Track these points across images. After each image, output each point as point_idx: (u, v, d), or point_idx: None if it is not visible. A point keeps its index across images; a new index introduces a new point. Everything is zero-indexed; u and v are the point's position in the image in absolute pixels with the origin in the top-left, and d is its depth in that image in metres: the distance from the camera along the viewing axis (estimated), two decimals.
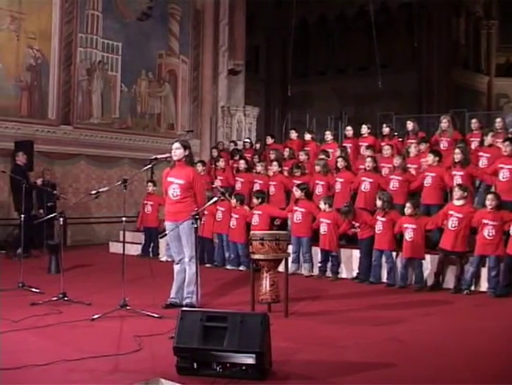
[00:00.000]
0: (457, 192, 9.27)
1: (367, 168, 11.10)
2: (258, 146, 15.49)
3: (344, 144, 13.16)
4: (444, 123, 12.24)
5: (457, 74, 28.82)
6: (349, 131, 13.55)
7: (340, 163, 11.54)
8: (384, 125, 13.30)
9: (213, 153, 14.79)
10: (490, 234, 8.86)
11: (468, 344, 6.14)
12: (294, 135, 14.60)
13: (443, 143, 12.00)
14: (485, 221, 8.93)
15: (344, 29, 30.18)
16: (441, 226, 9.49)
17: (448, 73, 27.91)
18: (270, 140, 15.04)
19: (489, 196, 9.04)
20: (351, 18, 29.41)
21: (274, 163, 12.47)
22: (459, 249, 9.16)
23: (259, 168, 12.68)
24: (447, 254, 9.27)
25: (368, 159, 11.22)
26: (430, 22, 27.79)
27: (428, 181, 10.48)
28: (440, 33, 27.70)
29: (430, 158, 10.59)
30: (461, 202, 9.24)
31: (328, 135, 13.79)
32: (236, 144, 15.94)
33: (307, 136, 14.18)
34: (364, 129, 13.11)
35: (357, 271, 10.26)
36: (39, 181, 11.00)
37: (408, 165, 11.24)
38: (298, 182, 11.48)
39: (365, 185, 10.98)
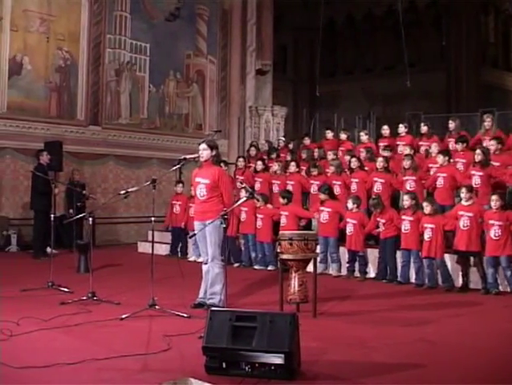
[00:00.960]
0: (465, 194, 9.27)
1: (379, 168, 11.11)
2: (291, 146, 15.42)
3: (380, 144, 13.10)
4: (488, 122, 12.13)
5: (487, 73, 28.51)
6: (386, 130, 13.44)
7: (354, 163, 11.54)
8: (422, 124, 13.18)
9: (251, 152, 14.71)
10: (497, 234, 8.91)
11: (497, 345, 6.08)
12: (330, 134, 14.54)
13: (486, 142, 11.88)
14: (491, 222, 8.99)
15: (372, 28, 30.01)
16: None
17: (477, 72, 27.64)
18: (307, 141, 14.95)
19: (494, 197, 9.05)
20: (379, 18, 29.23)
21: (292, 163, 12.47)
22: (474, 249, 9.16)
23: (275, 167, 12.67)
24: (463, 255, 9.25)
25: (380, 159, 11.28)
26: (458, 21, 27.52)
27: (440, 182, 10.52)
28: (468, 31, 27.43)
29: (440, 158, 10.58)
30: (469, 202, 9.25)
31: (363, 136, 13.72)
32: (271, 144, 15.87)
33: (343, 136, 14.11)
34: (401, 128, 13.03)
35: (376, 271, 10.29)
36: (56, 191, 11.20)
37: (430, 165, 11.20)
38: (316, 182, 11.57)
39: (377, 186, 11.03)
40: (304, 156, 13.24)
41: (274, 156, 14.23)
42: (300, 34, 30.49)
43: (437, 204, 10.19)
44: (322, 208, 10.84)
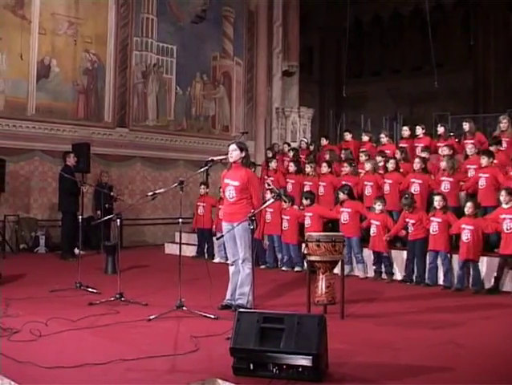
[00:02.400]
0: (505, 197, 9.15)
1: (416, 169, 11.01)
2: (312, 147, 15.42)
3: (401, 145, 13.04)
4: (504, 123, 12.03)
5: None
6: (405, 131, 13.39)
7: (392, 165, 11.42)
8: (439, 125, 13.14)
9: (268, 154, 14.81)
10: None
11: None
12: (348, 137, 14.51)
13: (502, 144, 11.79)
14: None
15: (399, 28, 29.83)
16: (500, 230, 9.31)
17: (505, 71, 27.34)
18: (324, 142, 15.01)
19: None
20: (406, 17, 29.05)
21: (324, 164, 12.44)
22: None
23: (308, 169, 12.65)
24: (507, 259, 9.11)
25: (417, 160, 11.18)
26: (486, 20, 27.25)
27: (482, 183, 10.37)
28: (497, 30, 27.15)
29: (484, 159, 10.44)
30: (510, 205, 9.14)
31: (383, 138, 13.65)
32: (289, 145, 15.87)
33: (365, 138, 14.06)
34: (419, 130, 12.97)
35: (404, 273, 10.18)
36: (84, 190, 11.33)
37: (468, 166, 11.10)
38: (347, 182, 11.49)
39: (415, 187, 10.90)
40: (327, 157, 13.23)
41: (290, 154, 14.25)
42: (326, 34, 30.39)
43: (480, 205, 10.13)
44: (342, 208, 10.82)
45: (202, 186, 13.45)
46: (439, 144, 12.37)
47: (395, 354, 5.66)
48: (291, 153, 14.41)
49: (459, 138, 12.90)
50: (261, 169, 14.96)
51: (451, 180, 10.68)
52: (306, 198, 11.11)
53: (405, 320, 7.23)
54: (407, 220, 10.07)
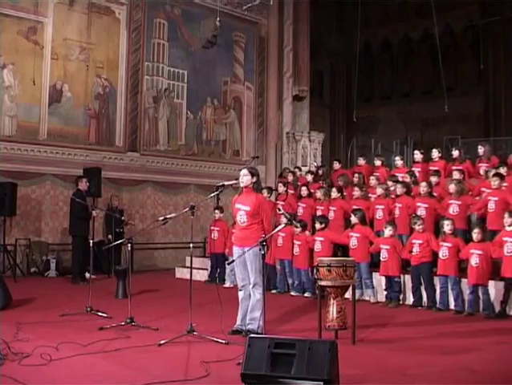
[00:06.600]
0: (507, 219, 9.13)
1: (422, 193, 10.99)
2: (320, 172, 15.35)
3: (413, 169, 13.01)
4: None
5: None
6: (417, 155, 13.33)
7: (399, 190, 11.40)
8: (454, 148, 13.10)
9: (308, 178, 14.59)
10: None
11: None
12: (362, 162, 14.45)
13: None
14: None
15: (408, 52, 29.92)
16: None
17: None
18: (337, 165, 14.92)
19: None
20: (416, 42, 29.12)
21: (334, 189, 12.40)
22: None
23: (319, 194, 12.62)
24: (509, 282, 9.06)
25: (423, 184, 11.13)
26: (496, 44, 27.29)
27: (491, 206, 10.34)
28: (506, 54, 27.18)
29: (496, 182, 10.40)
30: None
31: (398, 161, 13.60)
32: (300, 170, 15.81)
33: (377, 162, 14.01)
34: (435, 153, 12.92)
35: (413, 299, 10.14)
36: (94, 214, 11.39)
37: (483, 189, 11.05)
38: (358, 207, 11.45)
39: (421, 211, 10.87)
40: (341, 182, 13.16)
41: (308, 178, 14.23)
42: (336, 59, 30.48)
43: (489, 229, 10.08)
44: (351, 233, 10.78)
45: (216, 211, 13.39)
46: (454, 168, 12.34)
47: (407, 379, 5.61)
48: (309, 177, 14.32)
49: (473, 161, 12.85)
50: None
51: (459, 202, 10.66)
52: (320, 222, 11.06)
53: (418, 345, 7.18)
54: (413, 240, 10.03)
